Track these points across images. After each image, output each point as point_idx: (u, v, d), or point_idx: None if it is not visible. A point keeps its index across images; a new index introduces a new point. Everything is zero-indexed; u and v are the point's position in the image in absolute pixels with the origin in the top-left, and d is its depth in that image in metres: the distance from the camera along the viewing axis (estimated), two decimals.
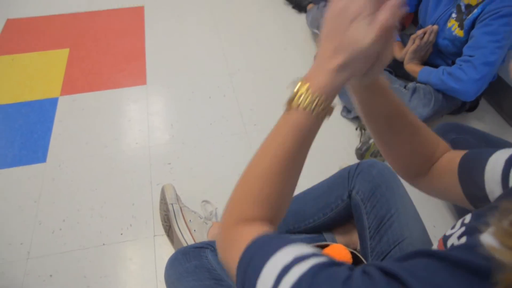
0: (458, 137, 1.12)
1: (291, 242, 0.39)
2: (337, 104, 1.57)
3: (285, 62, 1.79)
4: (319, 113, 0.46)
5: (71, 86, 1.64)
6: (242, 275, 0.39)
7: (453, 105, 1.43)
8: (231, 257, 0.43)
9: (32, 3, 2.17)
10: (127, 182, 1.30)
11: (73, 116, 1.52)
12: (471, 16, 1.26)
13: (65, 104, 1.56)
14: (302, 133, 0.47)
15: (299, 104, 0.46)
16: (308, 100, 0.45)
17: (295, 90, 0.46)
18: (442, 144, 0.63)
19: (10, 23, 2.01)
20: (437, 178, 0.61)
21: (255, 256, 0.39)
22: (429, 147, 0.62)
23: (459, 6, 1.30)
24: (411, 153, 0.62)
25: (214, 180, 1.30)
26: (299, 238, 0.94)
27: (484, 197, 0.51)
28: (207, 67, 1.74)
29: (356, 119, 1.50)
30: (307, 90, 0.45)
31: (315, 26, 1.80)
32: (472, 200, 0.55)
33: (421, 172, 0.63)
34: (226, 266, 0.44)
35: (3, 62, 1.77)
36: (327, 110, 0.47)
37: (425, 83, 1.39)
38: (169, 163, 1.35)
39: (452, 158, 0.60)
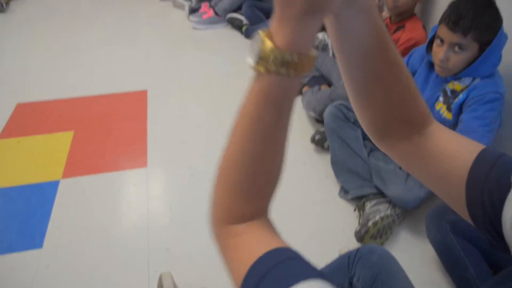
0: (456, 217, 1.08)
1: (315, 275, 0.33)
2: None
3: None
4: (294, 73, 0.37)
5: (73, 168, 1.67)
6: None
7: None
8: (234, 272, 0.38)
9: (40, 88, 2.28)
10: (124, 268, 1.28)
11: (73, 199, 1.53)
12: (457, 101, 1.32)
13: (65, 187, 1.58)
14: (277, 100, 0.39)
15: (267, 68, 0.37)
16: (275, 61, 0.36)
17: (259, 51, 0.37)
18: (432, 119, 0.52)
19: (19, 107, 2.10)
20: (427, 158, 0.49)
21: (270, 279, 0.34)
22: (411, 105, 0.49)
23: (445, 91, 1.37)
24: (386, 104, 0.49)
25: (214, 267, 1.27)
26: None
27: (496, 232, 0.41)
28: (206, 151, 1.79)
29: (354, 200, 1.51)
30: (272, 50, 0.36)
31: (310, 108, 1.89)
32: (475, 219, 0.44)
33: (392, 134, 0.51)
34: (230, 276, 0.40)
35: (9, 145, 1.82)
36: (303, 67, 0.37)
37: None
38: (168, 248, 1.34)
39: (460, 146, 0.47)
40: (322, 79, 2.13)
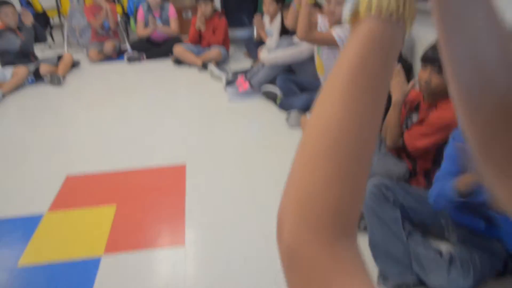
0: None
1: None
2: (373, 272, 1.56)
3: None
4: (401, 21, 0.34)
5: (114, 244, 1.74)
6: None
7: (494, 267, 1.39)
8: None
9: (88, 160, 2.44)
10: None
11: (113, 278, 1.58)
12: None
13: (107, 265, 1.64)
14: (384, 47, 0.33)
15: (371, 10, 0.34)
16: (383, 7, 0.33)
17: None
18: None
19: (68, 179, 2.24)
20: None
21: None
22: None
23: None
24: None
25: None
26: None
27: None
28: (243, 229, 1.82)
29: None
30: None
31: None
32: None
33: None
34: None
35: (58, 218, 1.93)
36: (409, 15, 0.34)
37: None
38: None
39: None
40: None
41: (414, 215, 1.60)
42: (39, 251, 1.73)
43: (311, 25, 2.48)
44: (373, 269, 1.56)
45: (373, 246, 1.54)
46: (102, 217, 1.93)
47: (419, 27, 2.28)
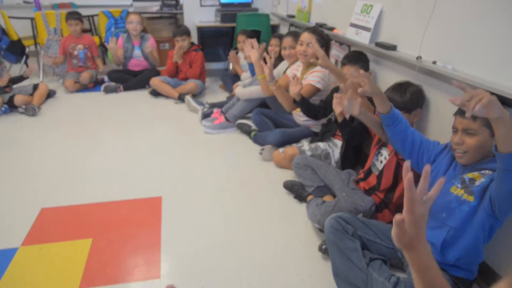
0: None
1: None
2: None
3: (288, 252, 1.93)
4: None
5: (89, 279, 1.76)
6: None
7: None
8: None
9: (64, 193, 2.45)
10: None
11: None
12: (480, 184, 1.42)
13: None
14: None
15: None
16: None
17: None
18: None
19: (43, 212, 2.25)
20: None
21: None
22: None
23: (463, 179, 1.49)
24: None
25: None
26: None
27: None
28: (218, 261, 1.88)
29: None
30: None
31: (315, 221, 2.01)
32: None
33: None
34: None
35: (32, 252, 1.93)
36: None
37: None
38: None
39: None
40: (326, 189, 2.28)
41: (373, 248, 1.72)
42: (12, 287, 1.73)
43: (289, 97, 2.69)
44: None
45: (335, 274, 1.65)
46: (78, 251, 1.94)
47: (379, 68, 2.48)
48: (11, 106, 3.81)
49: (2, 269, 1.82)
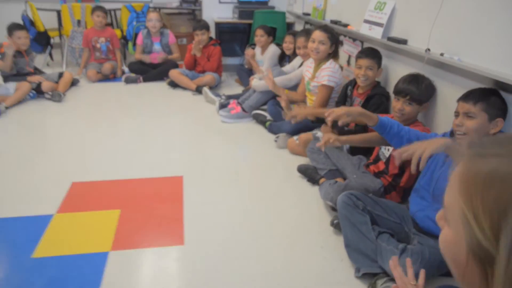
0: None
1: None
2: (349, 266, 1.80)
3: (301, 227, 2.08)
4: None
5: (120, 242, 1.93)
6: None
7: (443, 263, 1.63)
8: None
9: (92, 169, 2.63)
10: None
11: (121, 269, 1.77)
12: None
13: (114, 259, 1.83)
14: None
15: None
16: None
17: None
18: None
19: (74, 185, 2.43)
20: None
21: None
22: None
23: None
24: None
25: None
26: None
27: None
28: (233, 231, 2.04)
29: (367, 280, 1.70)
30: None
31: (328, 198, 2.16)
32: None
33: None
34: None
35: (66, 218, 2.11)
36: None
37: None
38: None
39: None
40: (338, 173, 2.43)
41: (381, 223, 1.86)
42: (52, 245, 1.91)
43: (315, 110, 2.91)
44: (350, 267, 1.79)
45: (346, 245, 1.80)
46: (108, 219, 2.12)
47: (390, 61, 2.62)
48: (39, 92, 4.01)
49: (41, 231, 2.00)
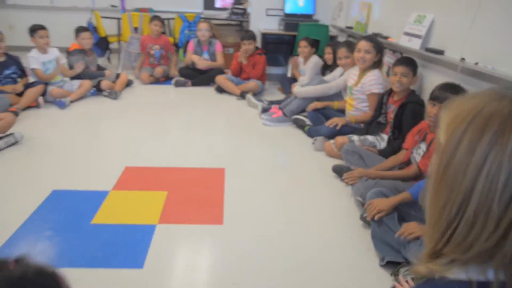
0: None
1: None
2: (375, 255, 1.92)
3: (332, 219, 2.22)
4: None
5: (167, 217, 2.16)
6: None
7: None
8: None
9: (143, 157, 2.90)
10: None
11: (166, 239, 1.98)
12: None
13: (160, 231, 2.05)
14: None
15: None
16: None
17: None
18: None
19: (127, 169, 2.70)
20: None
21: None
22: None
23: None
24: None
25: None
26: None
27: None
28: (269, 218, 2.22)
29: (391, 268, 1.82)
30: None
31: (358, 194, 2.29)
32: None
33: None
34: None
35: (120, 195, 2.37)
36: None
37: None
38: (236, 284, 1.71)
39: None
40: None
41: (409, 219, 1.97)
42: (107, 215, 2.16)
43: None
44: (375, 257, 1.92)
45: (373, 236, 1.94)
46: (156, 198, 2.36)
47: (426, 71, 2.73)
48: (98, 90, 4.40)
49: (98, 204, 2.27)
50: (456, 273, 0.57)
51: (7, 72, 3.82)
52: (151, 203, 2.30)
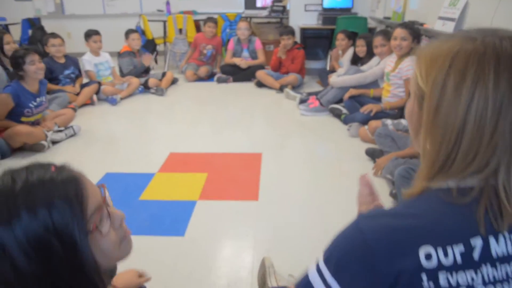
0: None
1: None
2: None
3: None
4: None
5: (206, 195, 2.34)
6: None
7: None
8: None
9: (186, 145, 3.12)
10: (231, 265, 1.82)
11: (205, 211, 2.16)
12: None
13: (200, 206, 2.23)
14: None
15: None
16: None
17: None
18: None
19: (171, 155, 2.92)
20: None
21: None
22: None
23: None
24: None
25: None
26: None
27: None
28: (301, 199, 2.34)
29: None
30: None
31: (388, 172, 2.35)
32: None
33: None
34: None
35: (165, 176, 2.60)
36: None
37: None
38: (269, 250, 1.85)
39: None
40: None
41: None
42: (153, 193, 2.38)
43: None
44: None
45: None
46: (197, 179, 2.54)
47: None
48: (145, 87, 4.71)
49: (145, 183, 2.49)
50: (438, 184, 0.64)
51: (66, 72, 4.21)
52: (192, 183, 2.49)
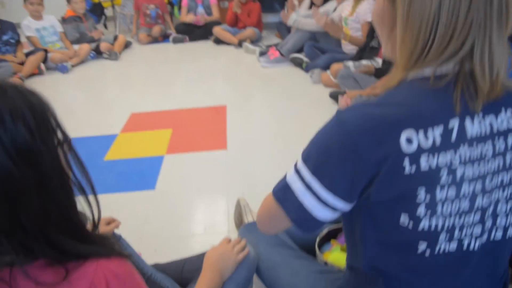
0: None
1: None
2: None
3: None
4: None
5: (173, 148, 2.28)
6: None
7: None
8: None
9: (148, 104, 3.01)
10: (206, 211, 1.80)
11: (174, 165, 2.11)
12: None
13: (168, 161, 2.17)
14: None
15: None
16: None
17: None
18: None
19: (133, 115, 2.81)
20: None
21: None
22: None
23: None
24: None
25: None
26: None
27: None
28: (268, 145, 2.33)
29: None
30: None
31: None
32: None
33: None
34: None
35: (128, 136, 2.51)
36: None
37: None
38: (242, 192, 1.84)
39: None
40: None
41: None
42: (118, 152, 2.30)
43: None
44: None
45: None
46: (162, 135, 2.47)
47: None
48: (97, 53, 4.47)
49: (109, 144, 2.40)
50: (415, 74, 0.63)
51: (5, 37, 3.89)
52: (157, 139, 2.42)
